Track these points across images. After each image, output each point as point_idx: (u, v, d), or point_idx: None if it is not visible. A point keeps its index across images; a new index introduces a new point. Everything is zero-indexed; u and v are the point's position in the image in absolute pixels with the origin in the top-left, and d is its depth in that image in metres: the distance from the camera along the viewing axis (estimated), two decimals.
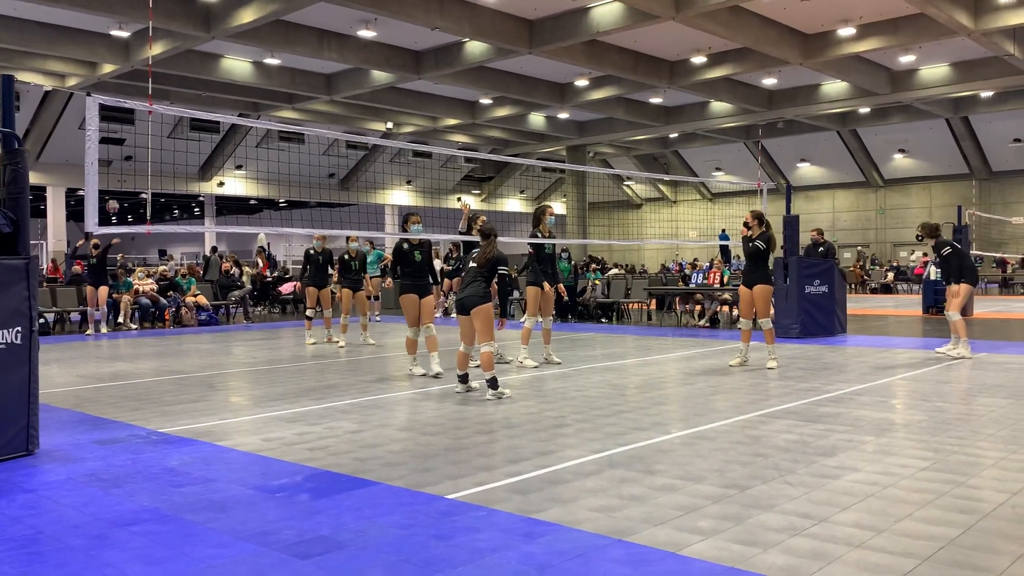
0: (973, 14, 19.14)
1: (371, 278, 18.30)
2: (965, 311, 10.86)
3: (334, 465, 5.08)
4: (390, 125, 32.15)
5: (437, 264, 17.14)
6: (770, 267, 10.16)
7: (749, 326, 9.88)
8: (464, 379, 7.81)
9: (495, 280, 7.92)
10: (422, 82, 25.78)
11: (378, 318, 18.36)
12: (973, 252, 18.46)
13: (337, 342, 12.69)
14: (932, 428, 6.03)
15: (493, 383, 7.46)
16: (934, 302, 17.67)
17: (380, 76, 24.97)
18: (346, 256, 12.90)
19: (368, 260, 18.32)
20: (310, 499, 4.39)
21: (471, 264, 8.01)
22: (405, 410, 7.14)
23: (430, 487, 4.53)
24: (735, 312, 16.30)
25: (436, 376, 8.84)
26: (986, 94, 28.80)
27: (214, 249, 24.16)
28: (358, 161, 38.12)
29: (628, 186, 45.84)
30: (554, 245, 10.56)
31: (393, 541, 3.69)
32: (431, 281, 9.33)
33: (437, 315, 13.08)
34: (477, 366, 8.60)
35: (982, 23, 19.30)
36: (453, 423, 6.38)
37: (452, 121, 31.56)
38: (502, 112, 30.26)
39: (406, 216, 9.32)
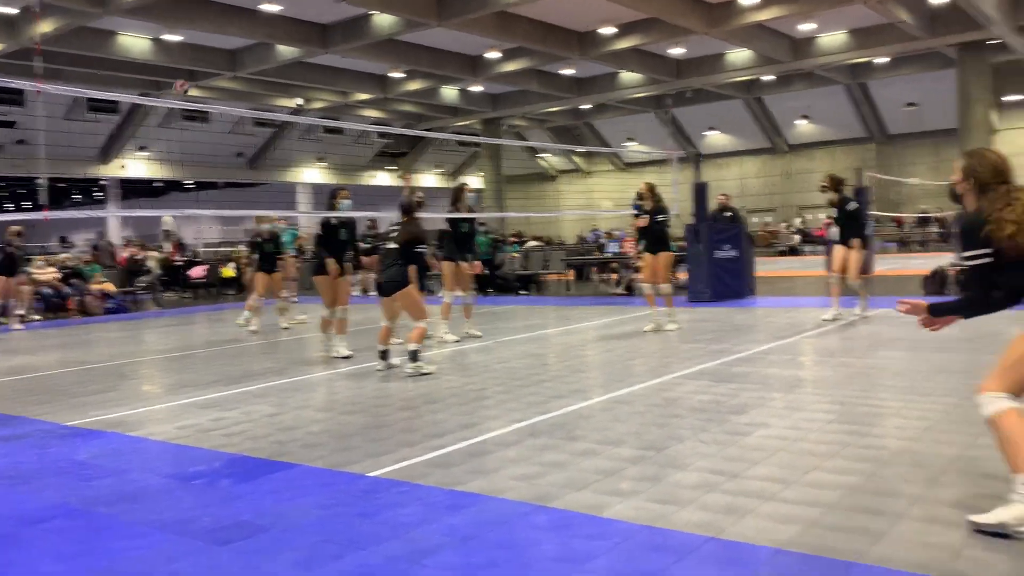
0: None
1: (290, 257, 17.91)
2: (865, 269, 11.14)
3: (252, 450, 4.99)
4: (300, 101, 31.40)
5: None
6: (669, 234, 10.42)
7: (654, 291, 10.09)
8: (384, 355, 7.74)
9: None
10: (331, 56, 25.21)
11: (295, 299, 18.01)
12: (873, 212, 19.23)
13: (250, 326, 12.33)
14: (837, 383, 6.30)
15: (414, 356, 7.39)
16: None
17: (286, 51, 24.32)
18: (259, 238, 12.57)
19: (284, 240, 17.94)
20: (228, 485, 4.31)
21: (390, 244, 7.89)
22: (324, 391, 7.06)
23: (351, 466, 4.51)
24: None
25: (345, 358, 8.69)
26: (882, 60, 29.89)
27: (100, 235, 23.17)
28: (267, 139, 37.14)
29: (543, 158, 46.03)
30: (471, 222, 10.59)
31: (315, 522, 3.67)
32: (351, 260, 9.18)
33: (355, 294, 12.89)
34: (400, 343, 8.53)
35: None
36: (374, 401, 6.34)
37: (363, 96, 31.03)
38: (414, 86, 29.89)
39: (334, 191, 9.05)
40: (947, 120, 29.77)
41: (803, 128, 37.14)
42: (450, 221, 10.22)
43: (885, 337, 8.61)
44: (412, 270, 7.68)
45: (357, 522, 3.64)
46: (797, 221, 36.12)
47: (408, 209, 7.99)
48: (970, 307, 3.56)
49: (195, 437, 5.41)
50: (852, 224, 10.32)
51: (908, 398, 5.63)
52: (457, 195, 10.28)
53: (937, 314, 3.61)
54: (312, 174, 39.64)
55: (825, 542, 3.16)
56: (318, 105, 32.64)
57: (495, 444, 4.86)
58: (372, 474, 4.34)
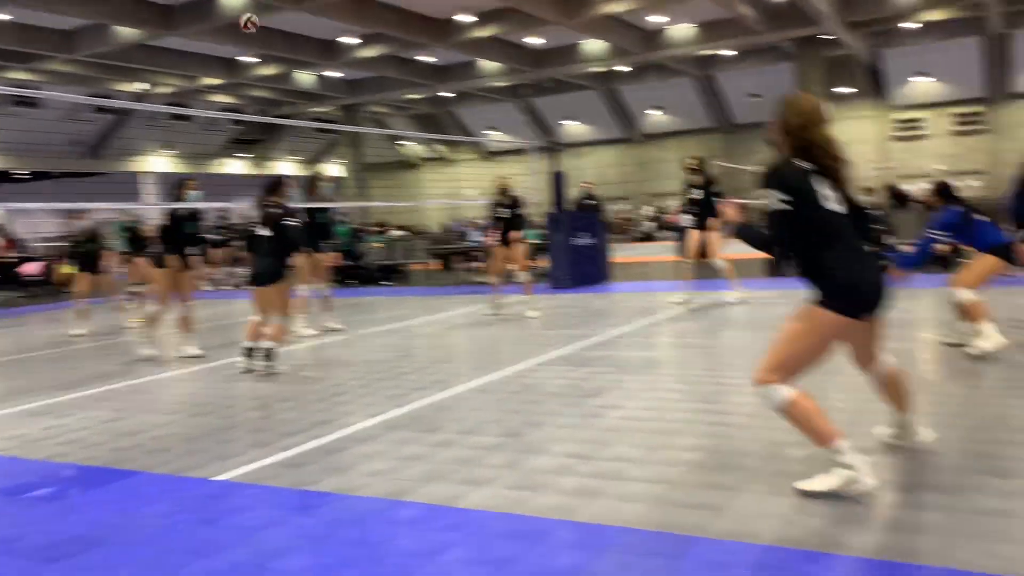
0: None
1: (120, 253, 16.90)
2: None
3: (89, 458, 4.68)
4: (145, 86, 29.67)
5: None
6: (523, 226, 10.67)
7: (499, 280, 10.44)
8: (250, 353, 7.25)
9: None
10: (177, 39, 23.96)
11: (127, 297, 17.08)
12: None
13: (74, 330, 11.28)
14: (686, 362, 6.57)
15: (268, 354, 7.10)
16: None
17: (127, 32, 22.90)
18: (77, 237, 11.67)
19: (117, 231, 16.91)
20: (62, 498, 4.03)
21: (261, 231, 7.35)
22: (170, 393, 6.73)
23: (198, 471, 4.30)
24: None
25: (196, 357, 8.23)
26: (727, 53, 31.36)
27: None
28: (109, 126, 34.94)
29: (405, 146, 45.59)
30: (328, 212, 10.35)
31: (156, 532, 3.48)
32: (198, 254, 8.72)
33: (208, 289, 12.30)
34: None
35: None
36: (224, 402, 6.09)
37: (213, 80, 29.67)
38: (268, 71, 28.85)
39: (181, 182, 8.64)
40: None
41: (656, 118, 38.47)
42: (306, 211, 9.93)
43: (731, 318, 9.04)
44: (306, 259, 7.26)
45: (202, 529, 3.48)
46: (649, 209, 37.42)
47: (274, 188, 7.50)
48: (766, 246, 3.61)
49: (24, 448, 5.03)
50: (712, 207, 10.21)
51: (748, 374, 5.91)
52: (311, 184, 10.02)
53: (740, 235, 3.73)
54: (159, 163, 37.61)
55: (671, 518, 3.28)
56: (164, 90, 30.96)
57: (351, 440, 4.77)
58: (219, 478, 4.16)
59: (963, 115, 33.14)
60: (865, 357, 3.75)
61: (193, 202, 8.53)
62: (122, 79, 28.92)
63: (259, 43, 24.68)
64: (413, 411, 5.41)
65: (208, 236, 9.71)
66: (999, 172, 31.92)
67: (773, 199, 3.40)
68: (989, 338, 6.04)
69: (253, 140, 41.71)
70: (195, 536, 3.40)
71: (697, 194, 10.52)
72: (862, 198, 13.21)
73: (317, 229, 9.97)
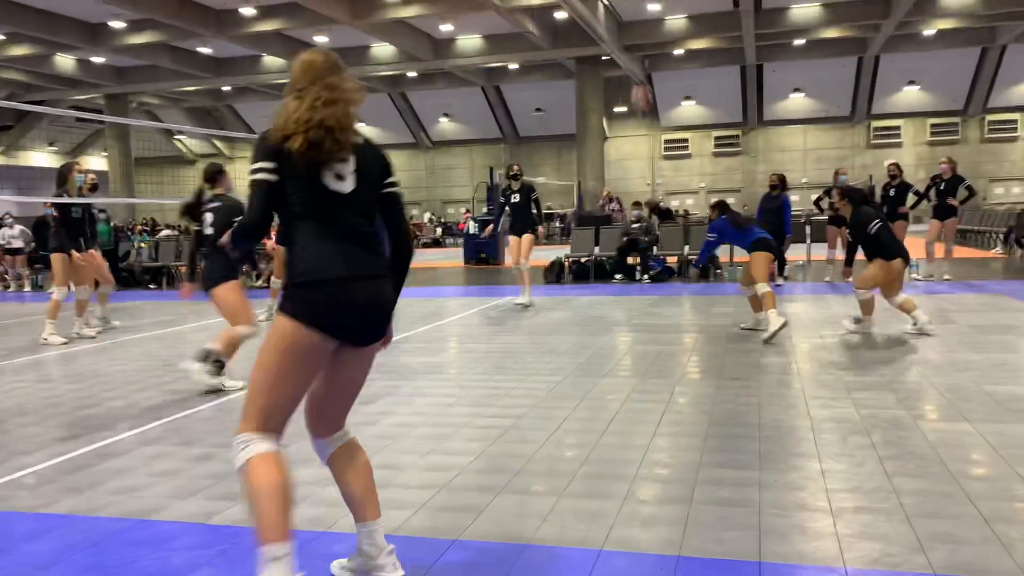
0: None
1: None
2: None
3: None
4: None
5: None
6: None
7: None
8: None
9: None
10: None
11: None
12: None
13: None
14: (462, 367, 6.66)
15: (208, 356, 5.96)
16: (475, 254, 19.54)
17: None
18: None
19: None
20: None
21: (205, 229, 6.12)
22: None
23: None
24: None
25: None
26: (513, 66, 32.36)
27: None
28: None
29: (179, 141, 42.92)
30: (86, 208, 9.44)
31: None
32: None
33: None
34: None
35: (507, 1, 21.51)
36: None
37: None
38: (20, 51, 26.07)
39: (68, 167, 8.97)
40: (568, 126, 33.05)
41: (445, 126, 38.94)
42: (59, 207, 9.03)
43: (508, 323, 9.28)
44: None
45: None
46: (427, 217, 37.79)
47: (214, 177, 6.26)
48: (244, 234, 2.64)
49: None
50: (529, 214, 10.74)
51: (519, 377, 6.12)
52: (64, 175, 9.04)
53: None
54: None
55: (433, 523, 3.30)
56: None
57: (97, 456, 4.39)
58: None
59: (722, 138, 36.35)
60: (321, 410, 2.72)
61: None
62: None
63: (10, 20, 22.26)
64: (171, 423, 5.07)
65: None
66: (753, 190, 35.33)
67: (257, 171, 2.64)
68: (773, 323, 7.28)
69: (2, 127, 37.59)
70: None
71: (516, 199, 10.74)
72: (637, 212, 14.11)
73: (74, 226, 9.10)
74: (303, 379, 2.56)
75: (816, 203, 13.06)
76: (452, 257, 23.83)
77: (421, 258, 24.18)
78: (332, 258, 2.53)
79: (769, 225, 12.21)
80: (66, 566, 2.99)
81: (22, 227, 16.89)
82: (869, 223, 7.50)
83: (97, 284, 9.83)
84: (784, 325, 7.26)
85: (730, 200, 37.00)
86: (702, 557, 2.88)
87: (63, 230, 8.99)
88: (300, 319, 2.49)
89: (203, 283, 6.01)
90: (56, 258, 8.96)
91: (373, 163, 2.71)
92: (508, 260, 11.08)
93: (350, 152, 2.61)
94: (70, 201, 9.06)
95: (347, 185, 2.60)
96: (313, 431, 2.75)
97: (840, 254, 12.40)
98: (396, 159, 40.63)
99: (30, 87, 31.80)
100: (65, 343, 8.75)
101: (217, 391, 5.97)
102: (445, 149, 40.05)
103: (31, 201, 9.37)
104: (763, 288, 7.66)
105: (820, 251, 16.35)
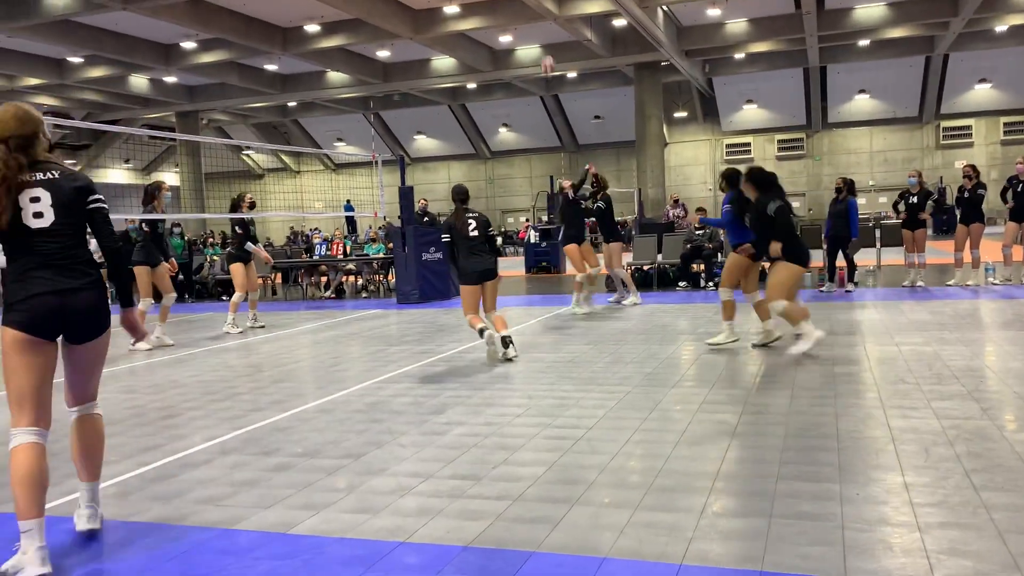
0: (558, 1, 21.28)
1: None
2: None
3: None
4: None
5: None
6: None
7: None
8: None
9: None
10: None
11: None
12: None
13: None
14: (528, 377, 6.67)
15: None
16: (535, 262, 19.58)
17: None
18: None
19: None
20: None
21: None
22: None
23: (2, 506, 3.94)
24: (359, 281, 16.57)
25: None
26: (571, 75, 32.38)
27: None
28: None
29: (248, 156, 44.06)
30: (163, 222, 9.97)
31: None
32: None
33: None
34: None
35: (565, 9, 21.56)
36: None
37: (34, 81, 27.61)
38: (97, 73, 27.14)
39: (157, 185, 9.67)
40: (627, 132, 32.91)
41: (504, 136, 39.13)
42: (150, 223, 9.55)
43: (574, 331, 9.27)
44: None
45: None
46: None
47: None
48: None
49: None
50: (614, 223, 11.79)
51: (587, 387, 6.10)
52: (153, 194, 9.63)
53: None
54: None
55: (509, 534, 3.31)
56: None
57: (180, 466, 4.53)
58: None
59: (786, 141, 35.73)
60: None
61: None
62: None
63: (88, 43, 23.19)
64: (248, 433, 5.20)
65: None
66: (817, 193, 34.58)
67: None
68: (727, 334, 7.47)
69: (80, 145, 39.09)
70: None
71: (602, 206, 11.39)
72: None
73: (158, 240, 9.66)
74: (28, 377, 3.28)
75: (895, 206, 12.73)
76: (513, 266, 23.91)
77: None
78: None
79: (836, 229, 11.98)
80: (157, 573, 3.09)
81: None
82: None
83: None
84: (735, 340, 7.32)
85: (795, 204, 36.31)
86: (786, 573, 2.83)
87: (151, 244, 9.49)
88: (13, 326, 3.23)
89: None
90: (141, 271, 9.46)
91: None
92: (595, 268, 11.31)
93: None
94: (158, 217, 9.58)
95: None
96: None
97: (918, 259, 12.08)
98: (457, 169, 41.08)
99: (107, 107, 33.05)
100: (149, 349, 9.14)
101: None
102: (504, 159, 40.24)
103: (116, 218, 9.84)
104: (727, 296, 7.54)
105: (890, 256, 15.95)
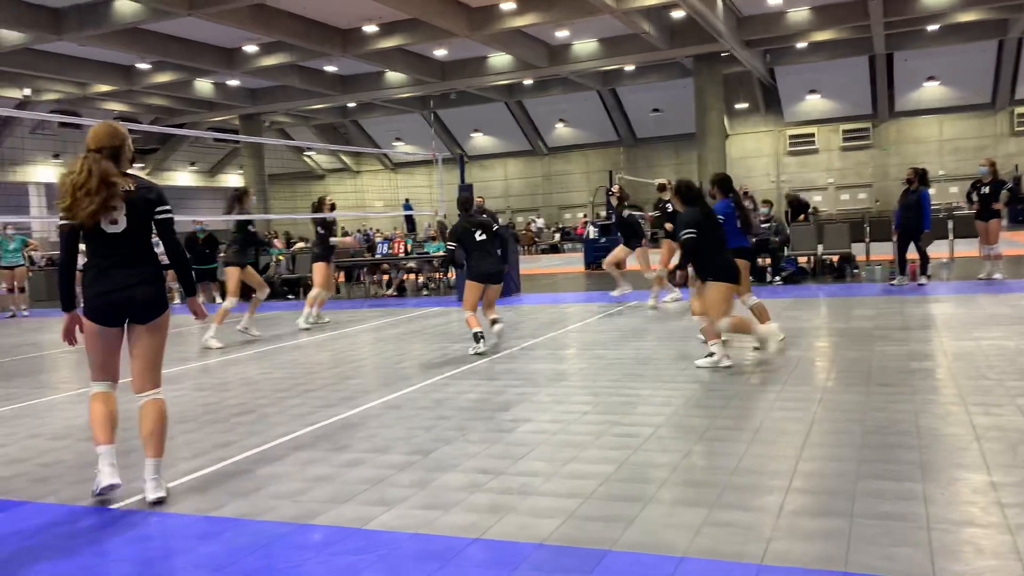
0: None
1: (15, 268, 16.22)
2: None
3: None
4: (27, 92, 28.23)
5: None
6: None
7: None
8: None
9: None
10: (65, 44, 22.92)
11: (25, 312, 16.24)
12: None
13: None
14: (593, 374, 6.64)
15: None
16: (594, 258, 19.47)
17: (11, 36, 21.77)
18: None
19: (11, 248, 16.16)
20: None
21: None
22: (61, 415, 6.37)
23: (90, 499, 4.08)
24: (420, 279, 16.71)
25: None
26: (629, 68, 32.08)
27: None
28: None
29: (309, 157, 44.80)
30: (252, 223, 10.47)
31: (45, 567, 3.27)
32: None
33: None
34: None
35: (623, 3, 21.36)
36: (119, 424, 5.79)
37: (105, 87, 28.50)
38: (163, 78, 27.90)
39: (244, 191, 10.34)
40: (687, 125, 32.47)
41: (561, 131, 38.98)
42: (240, 224, 10.11)
43: (637, 328, 9.20)
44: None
45: (95, 562, 3.29)
46: (540, 223, 37.82)
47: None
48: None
49: None
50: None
51: (654, 385, 6.04)
52: (240, 199, 10.24)
53: None
54: (47, 172, 35.84)
55: (582, 532, 3.29)
56: (50, 96, 29.55)
57: (256, 462, 4.62)
58: (116, 506, 3.96)
59: (851, 131, 34.84)
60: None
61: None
62: (5, 85, 27.44)
63: (155, 49, 23.86)
64: (319, 429, 5.29)
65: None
66: (885, 184, 33.70)
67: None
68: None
69: (149, 149, 40.24)
70: (89, 570, 3.22)
71: (670, 209, 11.21)
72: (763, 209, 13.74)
73: (247, 242, 10.18)
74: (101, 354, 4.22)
75: (968, 196, 12.30)
76: (571, 263, 23.84)
77: (539, 264, 24.32)
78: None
79: (907, 221, 11.64)
80: (239, 568, 3.16)
81: None
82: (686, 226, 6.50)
83: (246, 295, 10.73)
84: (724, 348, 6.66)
85: (861, 196, 35.46)
86: (871, 574, 2.76)
87: (242, 246, 10.05)
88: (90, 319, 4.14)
89: None
90: (232, 271, 9.82)
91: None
92: (655, 265, 11.34)
93: None
94: (247, 217, 9.92)
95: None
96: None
97: (993, 250, 11.67)
98: (514, 167, 41.10)
99: (173, 111, 33.94)
100: (222, 348, 9.40)
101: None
102: (561, 155, 40.10)
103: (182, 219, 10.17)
104: (724, 325, 6.65)
105: (963, 247, 15.44)
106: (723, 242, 6.63)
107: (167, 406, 4.21)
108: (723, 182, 7.37)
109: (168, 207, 4.14)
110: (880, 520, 3.21)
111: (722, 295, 6.49)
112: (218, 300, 16.80)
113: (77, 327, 4.08)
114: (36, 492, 4.27)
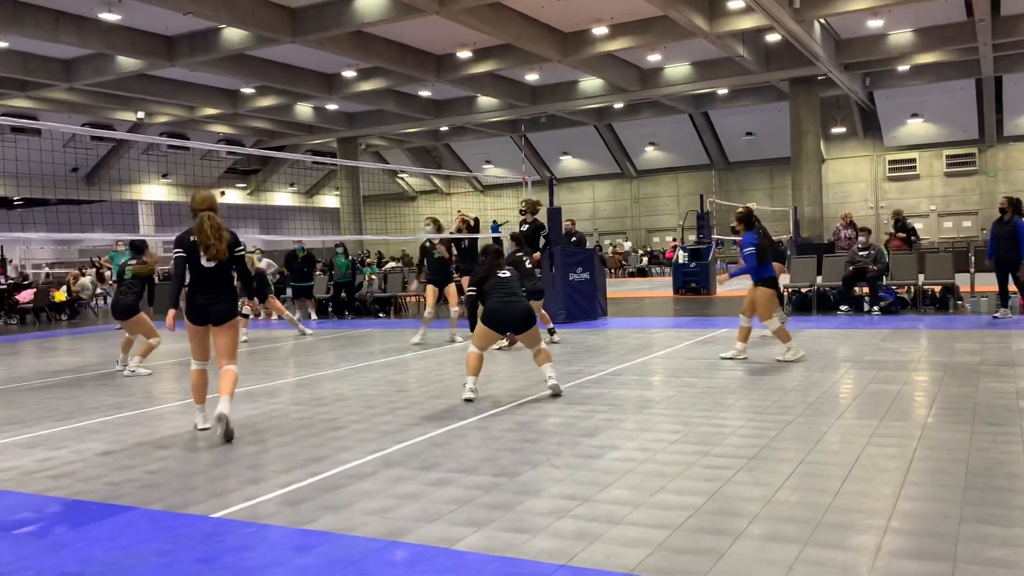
0: (708, 18, 20.96)
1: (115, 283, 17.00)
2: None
3: (82, 492, 4.64)
4: (141, 115, 29.85)
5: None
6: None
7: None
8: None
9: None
10: (176, 69, 24.19)
11: None
12: (714, 236, 20.26)
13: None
14: (682, 403, 6.55)
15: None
16: (683, 283, 19.24)
17: (127, 63, 23.13)
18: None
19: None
20: (53, 533, 3.98)
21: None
22: (166, 425, 6.67)
23: (193, 507, 4.27)
24: None
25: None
26: (722, 91, 31.73)
27: None
28: (105, 154, 35.07)
29: (402, 179, 45.82)
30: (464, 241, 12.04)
31: (150, 571, 3.44)
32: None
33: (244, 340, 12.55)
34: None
35: (716, 26, 21.19)
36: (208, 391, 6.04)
37: (211, 111, 29.91)
38: (266, 102, 29.10)
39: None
40: (781, 149, 31.85)
41: (650, 155, 38.78)
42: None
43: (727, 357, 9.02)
44: None
45: (197, 568, 3.44)
46: (628, 246, 37.49)
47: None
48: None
49: (16, 481, 4.98)
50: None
51: (746, 416, 5.93)
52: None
53: None
54: (156, 191, 37.74)
55: (671, 564, 3.26)
56: (161, 119, 31.17)
57: (347, 477, 4.74)
58: (216, 515, 4.13)
59: (955, 156, 33.51)
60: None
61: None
62: (120, 107, 29.11)
63: (259, 74, 24.91)
64: (409, 447, 5.39)
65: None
66: (991, 212, 32.23)
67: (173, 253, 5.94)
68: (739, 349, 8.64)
69: (250, 170, 41.89)
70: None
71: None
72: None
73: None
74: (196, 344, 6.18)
75: None
76: (659, 287, 23.59)
77: (626, 287, 24.14)
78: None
79: (1002, 252, 11.14)
80: None
81: (269, 260, 18.71)
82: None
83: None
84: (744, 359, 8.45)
85: (966, 224, 34.01)
86: None
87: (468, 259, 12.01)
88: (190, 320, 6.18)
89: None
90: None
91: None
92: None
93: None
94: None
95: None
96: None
97: None
98: (602, 189, 41.05)
99: (274, 134, 35.32)
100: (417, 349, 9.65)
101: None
102: (650, 178, 39.86)
103: (278, 239, 10.54)
104: (775, 324, 8.45)
105: None
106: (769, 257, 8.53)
107: (238, 373, 6.05)
108: (746, 218, 8.62)
109: (243, 246, 6.09)
110: (986, 567, 3.07)
111: (768, 297, 8.41)
112: (313, 316, 17.29)
113: (175, 319, 5.95)
114: (144, 498, 4.49)
